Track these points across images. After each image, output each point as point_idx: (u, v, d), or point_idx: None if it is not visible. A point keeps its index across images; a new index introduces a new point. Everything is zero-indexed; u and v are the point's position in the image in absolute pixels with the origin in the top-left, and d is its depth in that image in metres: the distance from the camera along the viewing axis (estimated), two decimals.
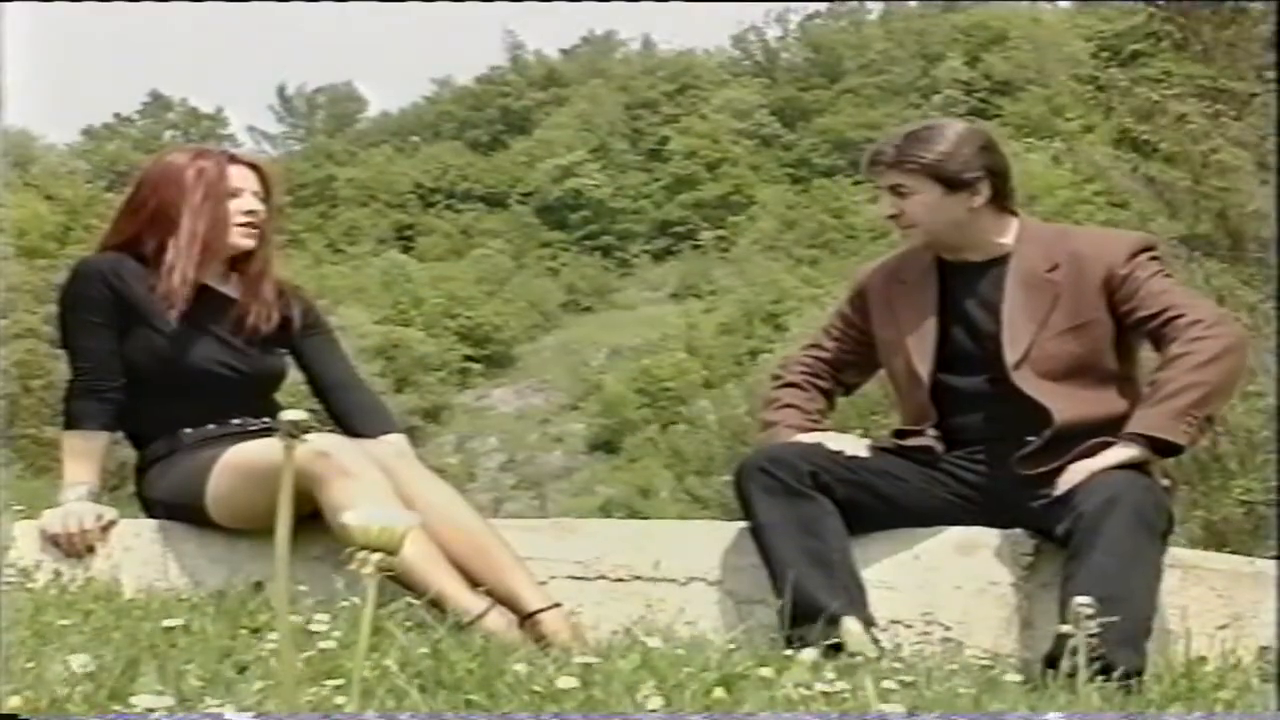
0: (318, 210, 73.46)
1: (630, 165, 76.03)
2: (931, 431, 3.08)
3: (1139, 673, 2.64)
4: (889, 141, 3.10)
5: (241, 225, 3.26)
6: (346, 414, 3.35)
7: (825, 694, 1.95)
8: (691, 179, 73.42)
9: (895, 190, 3.08)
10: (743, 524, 3.06)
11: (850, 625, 2.80)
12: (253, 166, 3.35)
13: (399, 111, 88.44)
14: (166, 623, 2.30)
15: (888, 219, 3.14)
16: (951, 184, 3.04)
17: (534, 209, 74.71)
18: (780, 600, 2.88)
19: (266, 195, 3.32)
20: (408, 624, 2.43)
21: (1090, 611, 1.73)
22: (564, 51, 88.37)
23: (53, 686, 1.76)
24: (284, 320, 3.34)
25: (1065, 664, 2.41)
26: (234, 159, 3.33)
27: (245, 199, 3.27)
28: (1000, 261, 3.09)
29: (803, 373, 3.30)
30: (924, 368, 3.08)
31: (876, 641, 2.82)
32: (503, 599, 2.85)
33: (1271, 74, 11.68)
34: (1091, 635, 1.76)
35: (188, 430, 3.18)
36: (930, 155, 3.03)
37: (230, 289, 3.30)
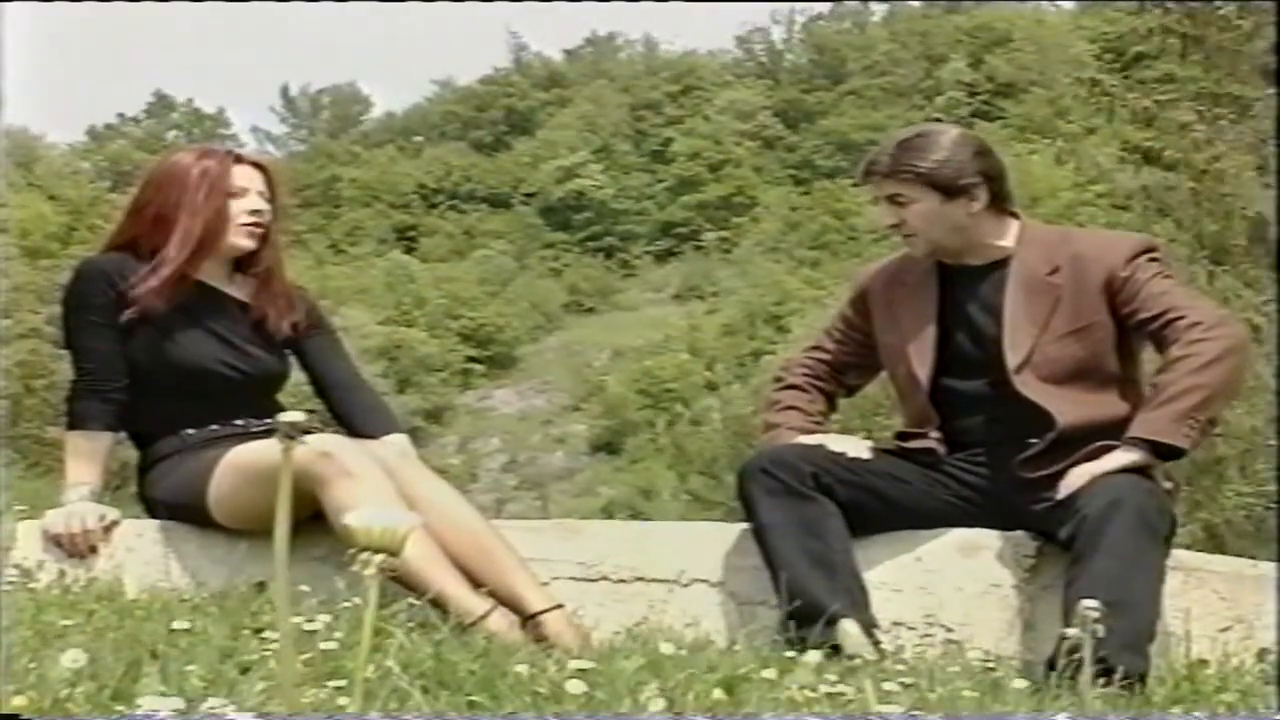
0: (321, 211, 73.48)
1: (633, 166, 76.05)
2: (934, 433, 3.08)
3: (1142, 676, 2.64)
4: (883, 151, 3.10)
5: (244, 225, 3.25)
6: (349, 414, 3.35)
7: (828, 695, 1.95)
8: (694, 180, 73.43)
9: (893, 200, 3.08)
10: (745, 525, 3.06)
11: (848, 627, 2.80)
12: (258, 166, 3.34)
13: (403, 112, 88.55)
14: (169, 623, 2.30)
15: (889, 228, 3.14)
16: (949, 191, 3.04)
17: (537, 210, 74.73)
18: (782, 602, 2.88)
19: (272, 195, 3.32)
20: (410, 625, 2.43)
21: (1097, 615, 1.73)
22: (567, 52, 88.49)
23: (55, 687, 1.76)
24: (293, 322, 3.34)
25: (1068, 666, 2.41)
26: (240, 159, 3.32)
27: (250, 199, 3.27)
28: (1001, 264, 3.09)
29: (804, 374, 3.31)
30: (924, 371, 3.08)
31: (877, 644, 2.82)
32: (505, 600, 2.85)
33: (1272, 77, 11.68)
34: (1096, 639, 1.76)
35: (190, 430, 3.18)
36: (925, 164, 3.03)
37: (234, 289, 3.30)
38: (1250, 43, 12.16)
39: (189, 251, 3.19)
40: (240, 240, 3.25)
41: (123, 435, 3.26)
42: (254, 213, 3.26)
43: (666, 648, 2.39)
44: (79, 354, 3.22)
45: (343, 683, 1.88)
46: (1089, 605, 1.74)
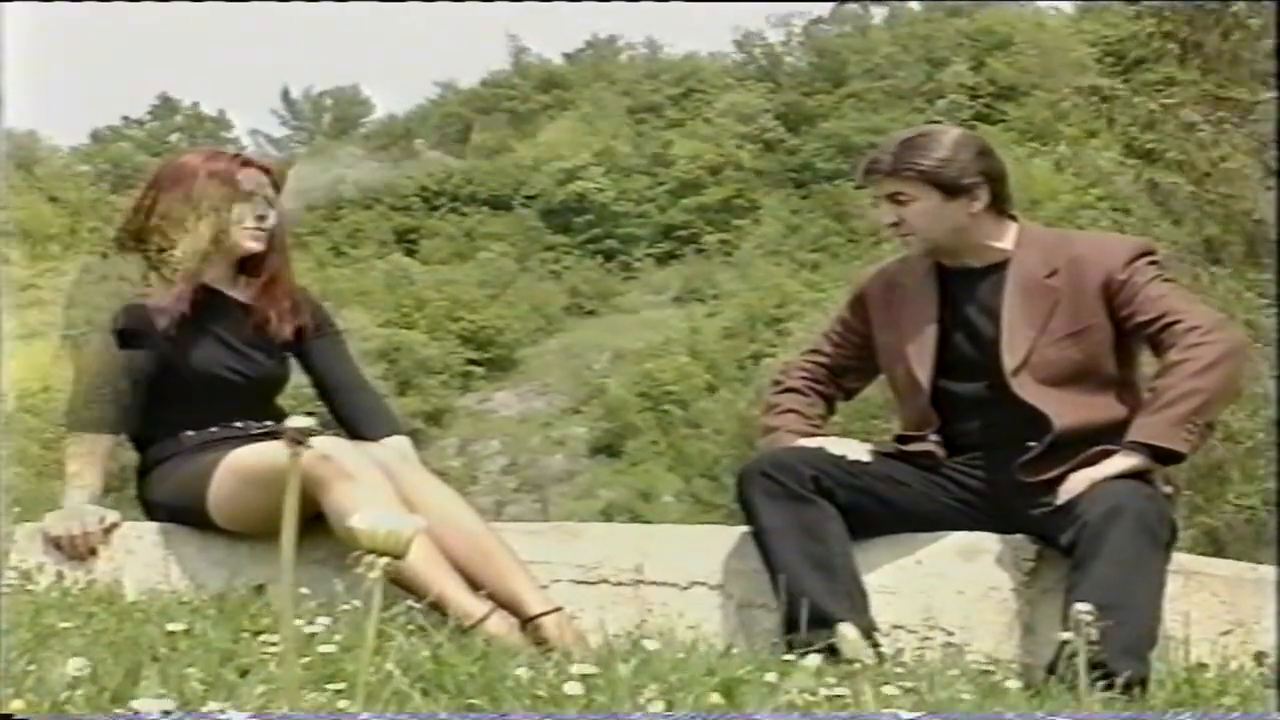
0: (321, 213, 73.44)
1: (634, 169, 75.96)
2: (933, 436, 3.08)
3: (1142, 681, 2.64)
4: (884, 150, 3.10)
5: (250, 228, 3.25)
6: (351, 416, 3.35)
7: (827, 699, 1.95)
8: (695, 183, 73.35)
9: (894, 198, 3.08)
10: (745, 528, 3.06)
11: (846, 631, 2.79)
12: (265, 170, 3.34)
13: (404, 114, 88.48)
14: (168, 626, 2.30)
15: (888, 227, 3.13)
16: (950, 190, 3.04)
17: (538, 212, 74.68)
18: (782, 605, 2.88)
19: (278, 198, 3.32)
20: (409, 627, 2.43)
21: (1090, 619, 1.73)
22: (568, 55, 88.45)
23: (54, 689, 1.76)
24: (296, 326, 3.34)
25: (1066, 670, 2.41)
26: (247, 162, 3.32)
27: (256, 202, 3.26)
28: (1000, 267, 3.09)
29: (803, 378, 3.31)
30: (924, 374, 3.08)
31: (877, 647, 2.82)
32: (504, 602, 2.85)
33: (1273, 80, 11.68)
34: (1094, 643, 1.76)
35: (190, 433, 3.18)
36: (927, 162, 3.03)
37: (237, 292, 3.30)
38: (1257, 41, 12.15)
39: (200, 256, 3.19)
40: (247, 243, 3.25)
41: (122, 437, 3.26)
42: (260, 216, 3.26)
43: (665, 651, 2.39)
44: (80, 356, 3.22)
45: (342, 685, 1.88)
46: (1081, 609, 1.75)
